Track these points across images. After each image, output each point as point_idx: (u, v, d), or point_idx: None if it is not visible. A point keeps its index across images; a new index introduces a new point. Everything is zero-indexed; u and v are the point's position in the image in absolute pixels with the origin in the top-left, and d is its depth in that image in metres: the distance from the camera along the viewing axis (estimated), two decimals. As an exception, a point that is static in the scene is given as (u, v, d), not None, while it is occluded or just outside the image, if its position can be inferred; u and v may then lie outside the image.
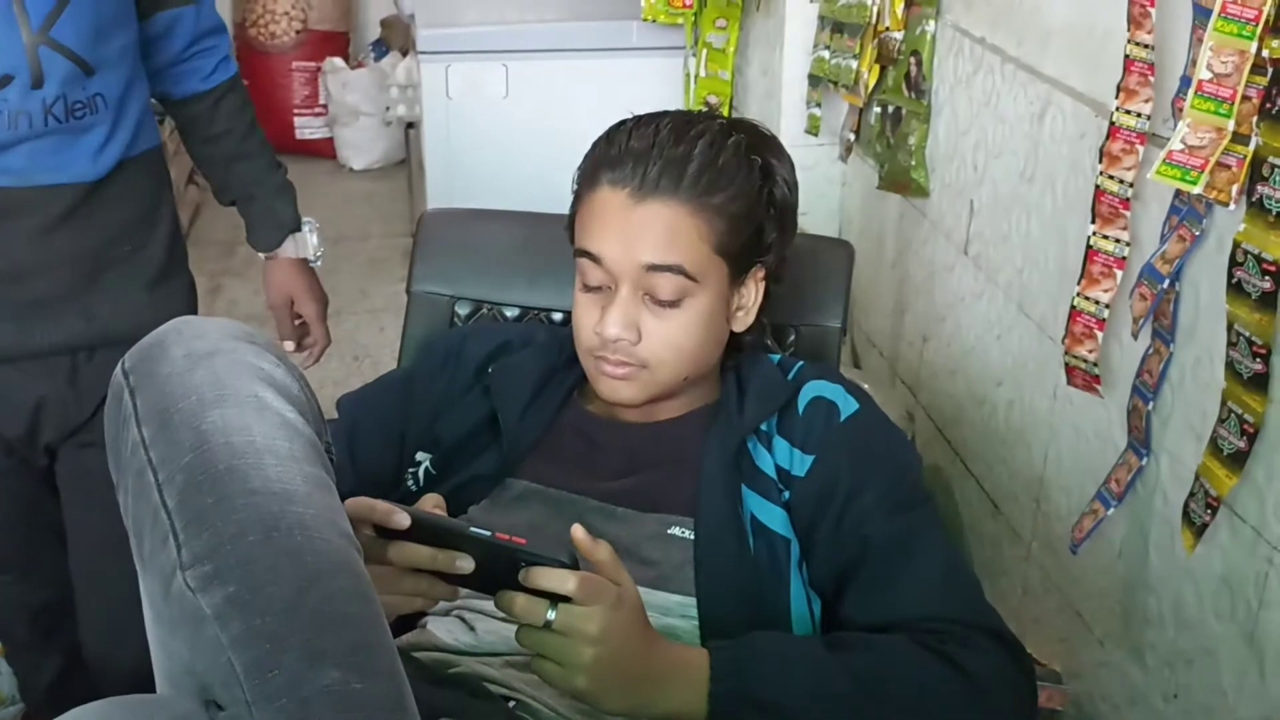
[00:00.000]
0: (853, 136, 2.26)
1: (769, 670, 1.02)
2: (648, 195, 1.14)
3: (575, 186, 1.21)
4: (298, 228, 1.74)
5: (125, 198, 1.51)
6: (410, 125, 4.09)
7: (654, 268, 1.14)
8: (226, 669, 0.75)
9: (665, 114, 1.20)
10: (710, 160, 1.15)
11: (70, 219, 1.46)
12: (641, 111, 1.23)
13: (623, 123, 1.20)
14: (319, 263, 1.77)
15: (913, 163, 1.95)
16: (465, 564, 0.95)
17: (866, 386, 1.40)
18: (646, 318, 1.16)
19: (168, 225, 1.60)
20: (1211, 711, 1.24)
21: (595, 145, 1.20)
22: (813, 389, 1.20)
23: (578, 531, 0.97)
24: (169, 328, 0.90)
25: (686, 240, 1.14)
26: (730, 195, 1.16)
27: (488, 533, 0.94)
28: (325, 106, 4.77)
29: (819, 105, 2.32)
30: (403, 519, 0.94)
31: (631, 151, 1.15)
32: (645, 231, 1.14)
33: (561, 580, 0.93)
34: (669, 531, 1.14)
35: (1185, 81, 1.15)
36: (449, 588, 0.99)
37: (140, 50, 1.53)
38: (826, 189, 2.40)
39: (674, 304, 1.16)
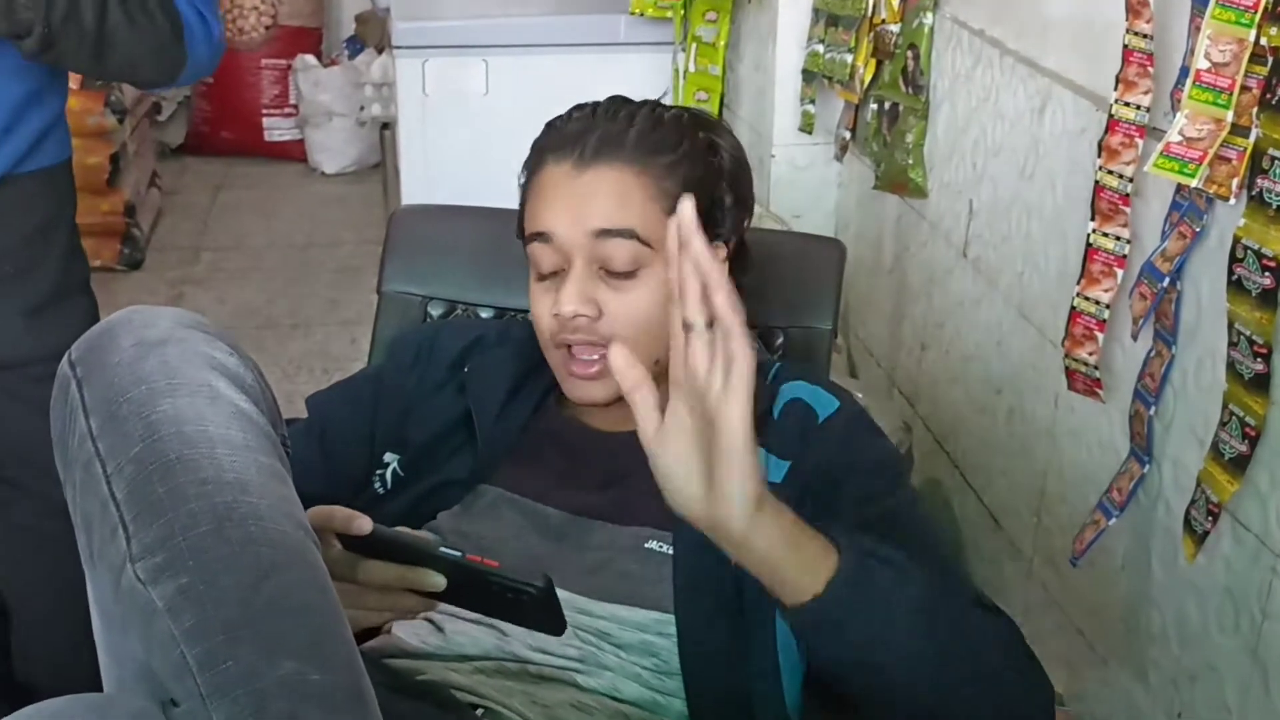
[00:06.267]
0: (848, 134, 2.29)
1: (875, 607, 0.96)
2: (590, 162, 1.17)
3: (521, 181, 1.24)
4: None
5: (10, 215, 1.46)
6: (385, 126, 4.10)
7: (605, 233, 1.15)
8: (179, 662, 0.77)
9: (602, 100, 1.25)
10: (651, 125, 1.20)
11: None
12: None
13: (560, 115, 1.24)
14: None
15: (910, 161, 1.98)
16: (438, 581, 0.96)
17: (861, 397, 1.41)
18: (604, 292, 1.17)
19: (63, 247, 1.53)
20: (1216, 730, 1.27)
21: (536, 139, 1.24)
22: (790, 390, 1.20)
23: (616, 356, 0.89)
24: (119, 316, 0.91)
25: (636, 202, 1.16)
26: (677, 157, 1.19)
27: (458, 553, 0.95)
28: (296, 107, 4.78)
29: (813, 102, 2.35)
30: (364, 523, 0.96)
31: (571, 130, 1.19)
32: (592, 196, 1.16)
33: None
34: (646, 545, 1.14)
35: (1184, 72, 1.18)
36: (418, 601, 1.01)
37: None
38: (822, 190, 2.43)
39: (630, 274, 1.16)
